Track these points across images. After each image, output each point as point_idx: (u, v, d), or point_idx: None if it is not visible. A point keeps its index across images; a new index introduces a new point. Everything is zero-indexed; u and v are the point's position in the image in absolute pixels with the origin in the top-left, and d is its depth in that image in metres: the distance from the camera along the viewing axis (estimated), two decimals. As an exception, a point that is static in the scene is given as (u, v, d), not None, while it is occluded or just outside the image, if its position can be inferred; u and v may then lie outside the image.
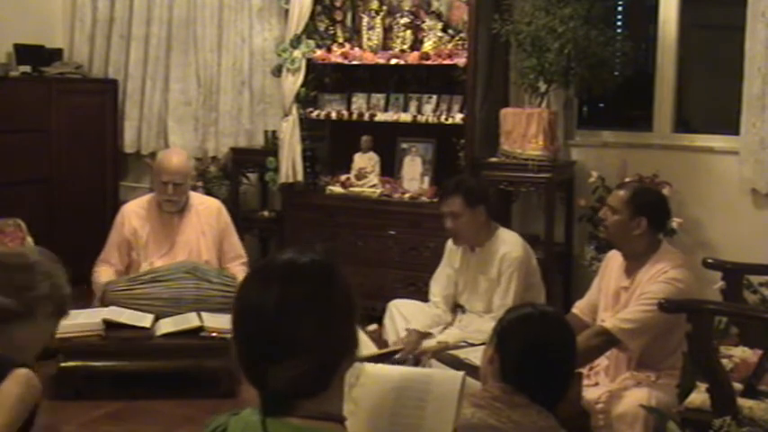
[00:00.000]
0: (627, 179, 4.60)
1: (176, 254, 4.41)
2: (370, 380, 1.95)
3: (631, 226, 3.22)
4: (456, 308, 4.03)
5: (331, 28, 5.44)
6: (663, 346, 3.20)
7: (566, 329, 2.07)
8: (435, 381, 2.00)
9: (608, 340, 3.09)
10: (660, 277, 3.14)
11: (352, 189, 5.26)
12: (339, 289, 1.46)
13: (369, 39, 5.30)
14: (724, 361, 3.03)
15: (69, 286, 2.13)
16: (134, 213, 4.49)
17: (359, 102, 5.34)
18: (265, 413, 1.44)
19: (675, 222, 4.50)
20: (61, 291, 2.08)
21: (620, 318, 3.12)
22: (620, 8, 5.39)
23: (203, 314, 4.06)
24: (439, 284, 4.03)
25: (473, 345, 3.63)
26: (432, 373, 2.20)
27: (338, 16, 5.45)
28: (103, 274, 4.36)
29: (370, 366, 1.99)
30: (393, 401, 1.96)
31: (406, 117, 5.12)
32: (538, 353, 1.98)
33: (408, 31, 5.19)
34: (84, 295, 4.43)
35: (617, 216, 3.25)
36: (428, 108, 5.10)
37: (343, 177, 5.33)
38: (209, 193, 5.29)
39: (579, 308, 3.50)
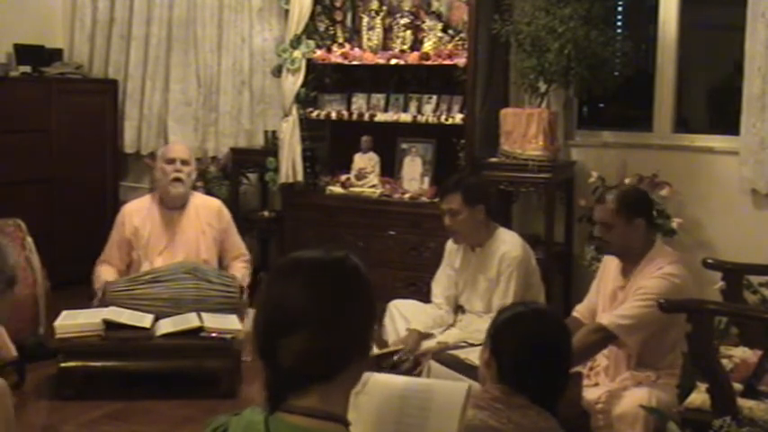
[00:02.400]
0: (627, 179, 4.61)
1: (176, 252, 4.42)
2: (374, 388, 1.95)
3: (630, 231, 3.21)
4: (458, 308, 4.03)
5: (331, 28, 5.44)
6: (660, 343, 3.20)
7: (559, 326, 2.07)
8: (439, 391, 2.00)
9: (605, 336, 3.09)
10: (655, 273, 3.14)
11: (352, 189, 5.26)
12: (361, 287, 1.51)
13: (369, 39, 5.30)
14: (724, 361, 3.04)
15: (13, 255, 2.02)
16: (135, 213, 4.51)
17: (359, 102, 5.34)
18: (270, 402, 1.45)
19: (675, 222, 4.50)
20: (8, 261, 1.98)
21: (616, 314, 3.12)
22: (620, 8, 5.38)
23: (203, 314, 4.06)
24: (440, 285, 4.03)
25: (473, 345, 3.63)
26: (435, 383, 2.19)
27: (338, 16, 5.45)
28: (105, 272, 4.38)
29: (377, 375, 1.99)
30: (396, 411, 1.95)
31: (406, 117, 5.12)
32: (533, 350, 1.98)
33: (408, 32, 5.19)
34: (85, 295, 4.44)
35: (615, 229, 3.23)
36: (428, 108, 5.10)
37: (343, 177, 5.33)
38: (209, 193, 5.30)
39: (579, 311, 3.50)
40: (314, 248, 1.55)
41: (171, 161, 4.43)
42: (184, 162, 4.45)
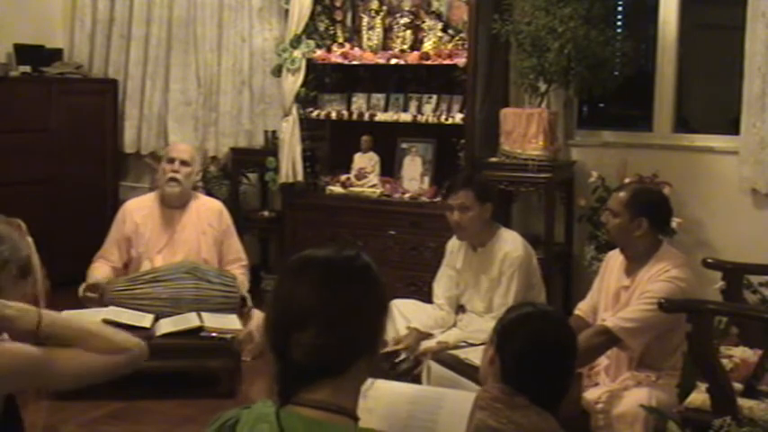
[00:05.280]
0: (627, 179, 4.60)
1: (176, 251, 4.43)
2: (382, 393, 1.95)
3: (632, 227, 3.22)
4: (459, 308, 4.03)
5: (331, 28, 5.44)
6: (664, 346, 3.20)
7: (566, 329, 2.07)
8: (448, 401, 1.99)
9: (609, 339, 3.09)
10: (661, 276, 3.14)
11: (352, 189, 5.26)
12: (370, 285, 1.52)
13: (369, 39, 5.30)
14: (724, 361, 3.03)
15: (28, 247, 2.12)
16: (136, 210, 4.52)
17: (359, 102, 5.34)
18: (280, 395, 1.46)
19: (675, 222, 4.49)
20: (21, 252, 2.08)
21: (621, 317, 3.11)
22: (620, 8, 5.38)
23: (203, 314, 4.06)
24: (442, 286, 4.02)
25: (473, 345, 3.63)
26: (445, 392, 2.19)
27: (338, 16, 5.45)
28: (98, 270, 4.38)
29: (380, 381, 1.99)
30: (404, 417, 1.95)
31: (406, 117, 5.12)
32: (538, 353, 1.98)
33: (408, 31, 5.19)
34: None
35: (618, 219, 3.24)
36: (428, 108, 5.10)
37: (343, 177, 5.33)
38: (209, 193, 5.30)
39: (582, 309, 3.50)
40: (325, 247, 1.56)
41: (171, 161, 4.47)
42: (184, 162, 4.46)
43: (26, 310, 1.85)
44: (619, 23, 5.33)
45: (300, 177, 5.31)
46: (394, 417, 1.94)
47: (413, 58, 5.07)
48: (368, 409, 1.83)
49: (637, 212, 3.21)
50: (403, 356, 3.75)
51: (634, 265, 3.27)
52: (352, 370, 1.48)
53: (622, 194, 3.29)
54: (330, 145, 5.57)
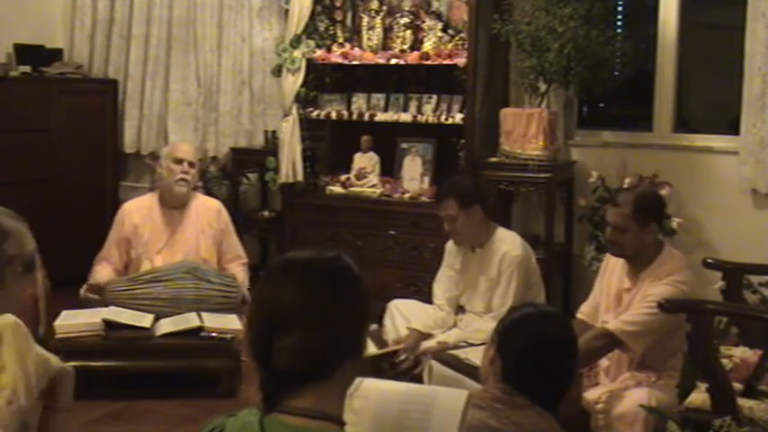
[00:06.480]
0: (627, 179, 4.61)
1: (175, 251, 4.42)
2: (371, 392, 1.94)
3: (644, 235, 3.20)
4: (458, 308, 4.03)
5: (331, 28, 5.44)
6: (665, 348, 3.20)
7: (567, 330, 2.07)
8: (440, 398, 1.99)
9: (611, 342, 3.09)
10: (664, 279, 3.13)
11: (352, 189, 5.27)
12: (352, 286, 1.50)
13: (369, 39, 5.30)
14: (724, 361, 3.03)
15: (33, 241, 2.07)
16: (134, 211, 4.51)
17: (359, 102, 5.34)
18: (265, 403, 1.45)
19: (675, 222, 4.50)
20: (26, 248, 2.03)
21: (623, 320, 3.11)
22: (620, 8, 5.38)
23: (203, 314, 4.06)
24: (441, 287, 4.02)
25: (473, 345, 3.63)
26: (436, 389, 2.19)
27: (338, 16, 5.45)
28: (101, 272, 4.38)
29: (370, 380, 1.99)
30: (396, 416, 1.95)
31: (406, 117, 5.12)
32: (539, 353, 1.98)
33: (408, 31, 5.19)
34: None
35: (628, 233, 3.21)
36: (428, 108, 5.10)
37: (343, 177, 5.33)
38: (209, 193, 5.30)
39: (584, 312, 3.48)
40: (306, 249, 1.55)
41: (179, 161, 4.44)
42: (191, 164, 4.47)
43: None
44: (619, 23, 5.33)
45: (300, 177, 5.31)
46: (385, 416, 1.94)
47: (413, 58, 5.07)
48: (357, 409, 1.82)
49: (645, 219, 3.20)
50: (403, 356, 3.75)
51: (636, 268, 3.26)
52: (337, 374, 1.46)
53: (625, 208, 3.23)
54: (330, 145, 5.57)
